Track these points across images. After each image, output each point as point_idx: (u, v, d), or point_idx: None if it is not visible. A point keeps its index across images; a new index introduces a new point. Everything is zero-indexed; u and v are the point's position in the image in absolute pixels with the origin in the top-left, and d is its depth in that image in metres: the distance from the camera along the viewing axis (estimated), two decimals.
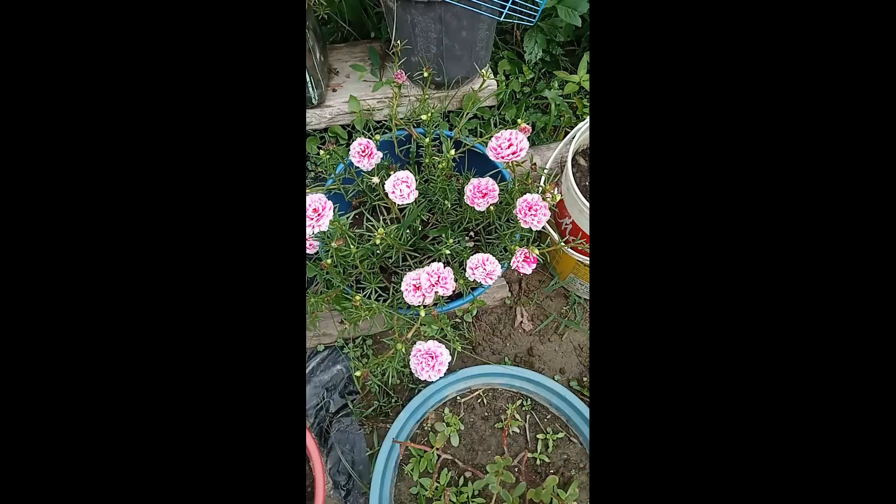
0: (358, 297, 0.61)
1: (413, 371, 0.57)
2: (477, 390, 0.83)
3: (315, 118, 1.07)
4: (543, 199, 0.59)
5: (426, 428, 0.80)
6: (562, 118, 1.19)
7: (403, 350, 0.61)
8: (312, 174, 1.13)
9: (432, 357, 0.57)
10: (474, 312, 0.96)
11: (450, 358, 0.58)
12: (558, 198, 0.63)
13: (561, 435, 0.79)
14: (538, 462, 0.77)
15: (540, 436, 0.79)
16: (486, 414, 0.82)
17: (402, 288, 0.63)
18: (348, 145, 1.12)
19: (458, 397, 0.83)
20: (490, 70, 1.17)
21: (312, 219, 0.55)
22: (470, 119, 1.17)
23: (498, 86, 1.14)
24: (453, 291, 0.64)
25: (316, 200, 0.55)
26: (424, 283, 0.62)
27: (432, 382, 0.79)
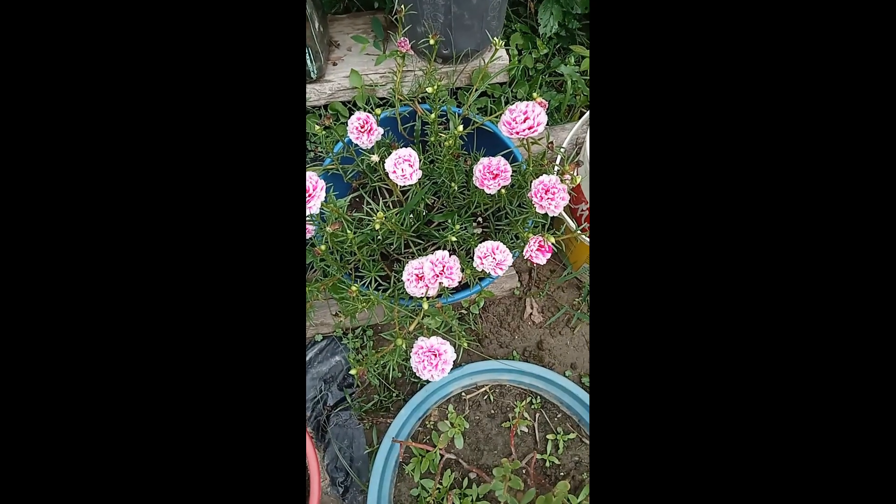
0: (354, 288, 0.55)
1: (414, 370, 0.52)
2: (483, 386, 0.78)
3: (314, 94, 1.00)
4: (562, 182, 0.53)
5: (429, 426, 0.76)
6: (577, 97, 1.11)
7: (404, 346, 0.56)
8: (311, 154, 1.07)
9: (435, 355, 0.51)
10: (481, 304, 0.90)
11: (454, 356, 0.52)
12: (578, 180, 0.56)
13: (572, 436, 0.74)
14: (547, 464, 0.73)
15: (550, 436, 0.74)
16: (492, 411, 0.77)
17: (404, 278, 0.57)
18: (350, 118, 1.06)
19: (464, 393, 0.78)
20: (501, 41, 1.09)
21: None
22: (479, 97, 1.10)
23: (510, 61, 1.07)
24: (460, 282, 0.59)
25: (306, 180, 0.49)
26: (428, 272, 0.56)
27: None
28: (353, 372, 0.52)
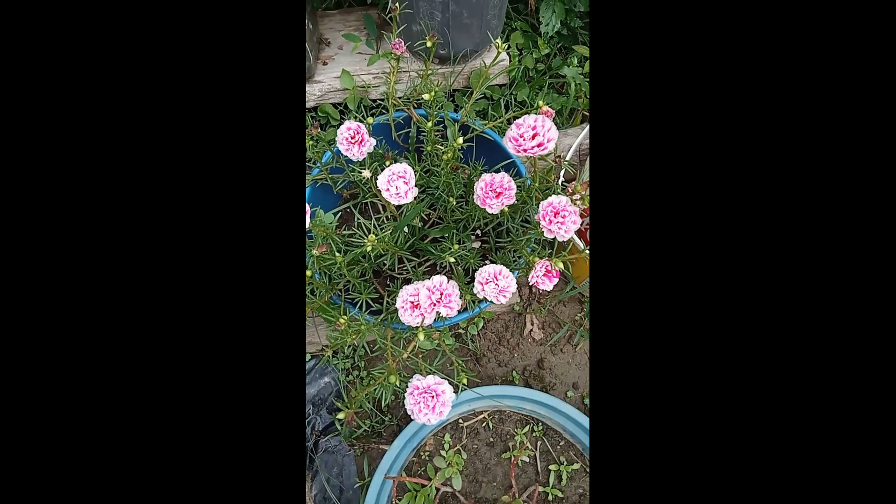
0: (343, 321, 0.50)
1: (409, 412, 0.47)
2: (482, 413, 0.74)
3: None
4: (573, 203, 0.48)
5: (423, 456, 0.71)
6: (580, 100, 1.06)
7: (397, 382, 0.51)
8: None
9: (433, 396, 0.46)
10: (480, 325, 0.85)
11: (454, 396, 0.47)
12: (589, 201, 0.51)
13: (576, 466, 0.70)
14: (550, 497, 0.68)
15: (552, 466, 0.70)
16: (491, 439, 0.73)
17: (398, 305, 0.52)
18: (339, 127, 1.00)
19: (461, 420, 0.73)
20: (504, 43, 1.04)
21: None
22: (477, 100, 1.05)
23: (510, 61, 1.01)
24: (459, 310, 0.54)
25: None
26: (424, 301, 0.51)
27: None
28: (340, 416, 0.47)
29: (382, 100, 0.98)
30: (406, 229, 0.66)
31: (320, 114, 0.99)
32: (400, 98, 0.73)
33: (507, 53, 1.01)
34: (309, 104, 0.96)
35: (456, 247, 0.60)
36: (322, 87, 0.94)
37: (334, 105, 0.99)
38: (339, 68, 0.94)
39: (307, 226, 0.45)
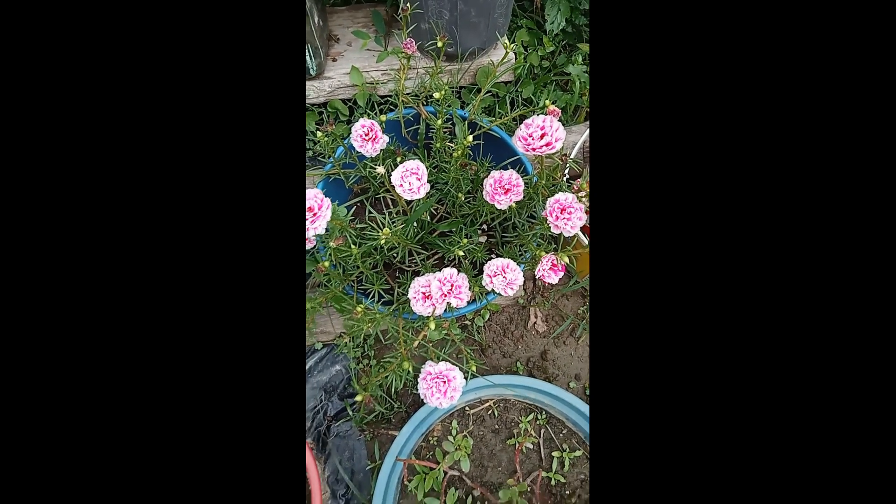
0: (360, 308, 0.53)
1: (422, 397, 0.49)
2: (488, 401, 0.76)
3: (313, 91, 0.96)
4: (579, 200, 0.50)
5: (432, 441, 0.74)
6: (584, 97, 1.08)
7: (410, 369, 0.53)
8: (310, 153, 1.03)
9: (444, 381, 0.49)
10: (486, 317, 0.88)
11: (464, 382, 0.50)
12: None
13: (578, 453, 0.73)
14: (553, 482, 0.71)
15: (555, 453, 0.73)
16: (496, 426, 0.75)
17: (410, 296, 0.55)
18: (349, 122, 1.02)
19: (468, 408, 0.76)
20: (512, 44, 1.05)
21: (307, 219, 0.46)
22: (483, 97, 1.06)
23: (515, 59, 1.03)
24: (468, 301, 0.56)
25: (312, 197, 0.46)
26: (435, 291, 0.54)
27: None
28: (358, 398, 0.50)
29: (391, 96, 1.00)
30: (416, 223, 0.68)
31: (330, 110, 1.01)
32: (409, 95, 0.75)
33: (514, 52, 1.03)
34: (319, 100, 0.98)
35: (465, 241, 0.62)
36: (332, 83, 0.96)
37: (343, 101, 1.01)
38: (349, 65, 0.96)
39: (327, 221, 0.48)
